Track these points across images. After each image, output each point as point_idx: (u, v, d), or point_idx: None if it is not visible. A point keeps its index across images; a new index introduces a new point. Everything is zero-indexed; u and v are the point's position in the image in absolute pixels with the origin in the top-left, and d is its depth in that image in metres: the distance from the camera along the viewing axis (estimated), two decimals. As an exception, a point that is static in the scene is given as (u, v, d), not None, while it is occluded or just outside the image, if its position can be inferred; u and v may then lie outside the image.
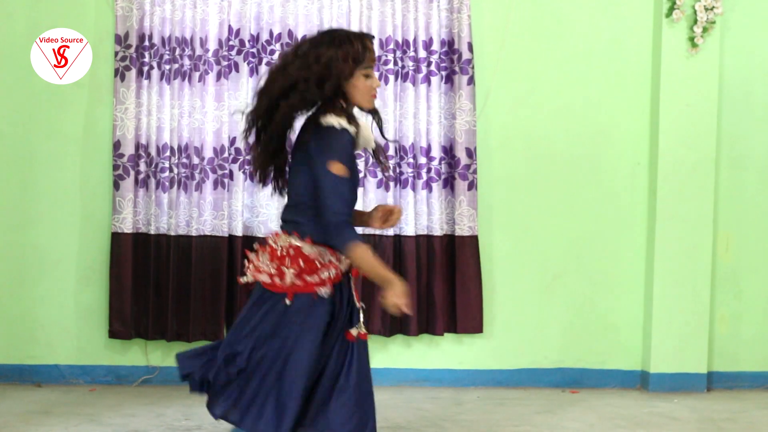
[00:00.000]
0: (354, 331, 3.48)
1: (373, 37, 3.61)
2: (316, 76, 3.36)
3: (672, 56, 5.99)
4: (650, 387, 6.03)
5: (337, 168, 3.34)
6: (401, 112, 5.92)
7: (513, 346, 6.12)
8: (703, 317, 6.05)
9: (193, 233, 5.85)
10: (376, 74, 3.53)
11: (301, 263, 3.41)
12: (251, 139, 3.54)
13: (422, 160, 5.92)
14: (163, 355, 6.02)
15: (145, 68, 5.84)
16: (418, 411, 5.46)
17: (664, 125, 6.00)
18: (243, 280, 3.55)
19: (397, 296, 3.33)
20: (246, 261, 3.56)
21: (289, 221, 3.48)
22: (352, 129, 3.40)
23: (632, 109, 6.12)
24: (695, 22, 5.93)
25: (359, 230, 3.72)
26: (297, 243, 3.43)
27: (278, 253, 3.45)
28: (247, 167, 5.87)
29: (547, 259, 6.14)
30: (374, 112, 3.57)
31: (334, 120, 3.37)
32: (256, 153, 3.53)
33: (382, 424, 5.07)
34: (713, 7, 5.91)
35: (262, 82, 3.48)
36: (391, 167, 5.88)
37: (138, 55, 5.83)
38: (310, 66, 3.36)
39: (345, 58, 3.37)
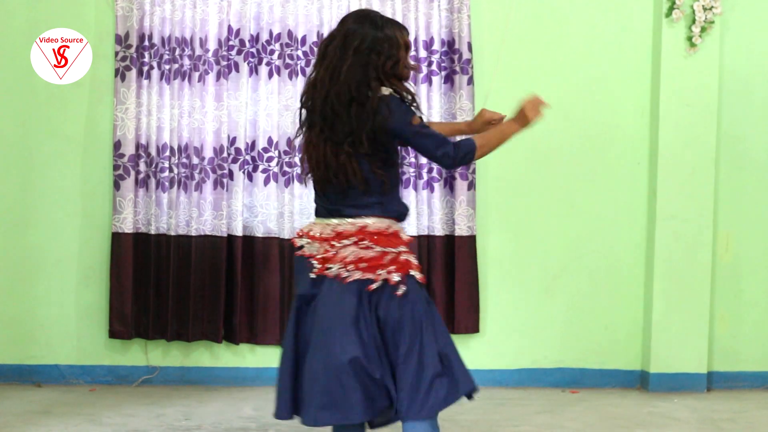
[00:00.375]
0: None
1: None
2: (391, 59, 3.46)
3: (672, 56, 5.98)
4: (650, 387, 6.02)
5: (416, 119, 3.44)
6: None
7: (513, 346, 6.12)
8: (703, 317, 6.05)
9: (193, 233, 5.85)
10: None
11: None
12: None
13: (423, 160, 5.91)
14: (163, 355, 6.02)
15: (145, 68, 5.84)
16: (418, 411, 5.45)
17: (664, 125, 6.00)
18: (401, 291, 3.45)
19: (525, 118, 3.79)
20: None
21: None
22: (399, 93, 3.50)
23: (632, 109, 6.12)
24: (694, 21, 5.94)
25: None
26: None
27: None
28: (246, 167, 5.87)
29: (546, 259, 6.13)
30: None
31: (385, 90, 3.43)
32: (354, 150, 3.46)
33: (381, 424, 5.06)
34: (712, 7, 5.91)
35: (323, 75, 3.46)
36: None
37: (138, 55, 5.83)
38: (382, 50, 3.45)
39: (406, 42, 3.53)
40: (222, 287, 5.86)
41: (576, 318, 6.14)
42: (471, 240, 5.95)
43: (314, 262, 3.48)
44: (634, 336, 6.14)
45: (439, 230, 5.94)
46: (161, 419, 5.21)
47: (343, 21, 3.52)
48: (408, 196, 5.91)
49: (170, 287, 5.86)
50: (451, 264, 5.97)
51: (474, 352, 6.09)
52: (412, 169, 5.91)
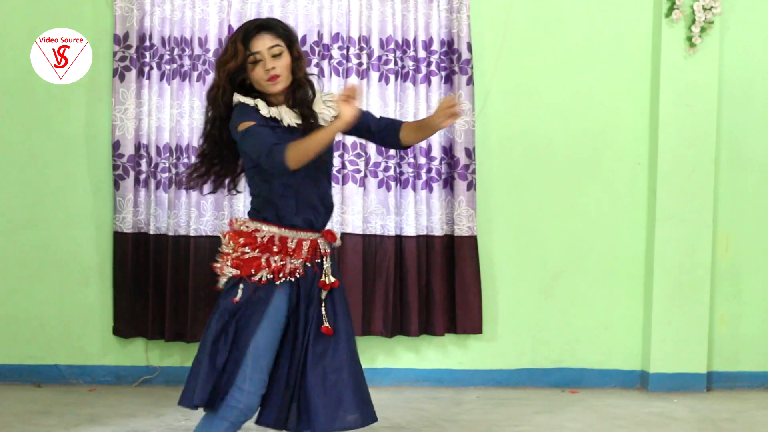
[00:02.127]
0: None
1: (260, 23, 3.68)
2: (215, 83, 3.63)
3: (672, 56, 5.99)
4: (650, 387, 6.03)
5: (244, 125, 3.50)
6: (401, 112, 5.91)
7: (513, 346, 6.12)
8: (703, 317, 6.05)
9: (194, 233, 5.84)
10: (279, 60, 3.62)
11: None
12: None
13: (422, 160, 5.92)
14: (162, 355, 6.01)
15: (145, 68, 5.84)
16: (418, 411, 5.46)
17: (664, 125, 6.00)
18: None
19: (345, 116, 3.41)
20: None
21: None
22: (249, 101, 3.58)
23: (632, 109, 6.12)
24: (694, 21, 5.94)
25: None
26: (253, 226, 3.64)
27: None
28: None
29: (547, 259, 6.13)
30: (294, 91, 3.66)
31: (235, 98, 3.61)
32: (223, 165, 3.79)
33: (383, 424, 5.07)
34: (712, 7, 5.91)
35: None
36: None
37: (138, 56, 5.83)
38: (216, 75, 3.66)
39: (225, 62, 3.59)
40: (225, 287, 5.85)
41: (576, 318, 6.14)
42: (472, 240, 5.95)
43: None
44: (634, 336, 6.14)
45: (438, 230, 5.94)
46: (161, 419, 5.21)
47: None
48: (407, 196, 5.91)
49: (170, 287, 5.85)
50: (451, 264, 5.97)
51: (474, 352, 6.10)
52: (410, 169, 5.91)
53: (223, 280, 3.70)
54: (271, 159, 3.41)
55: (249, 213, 3.71)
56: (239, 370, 3.49)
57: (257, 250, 3.58)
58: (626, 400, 5.84)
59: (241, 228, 3.65)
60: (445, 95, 5.94)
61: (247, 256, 3.59)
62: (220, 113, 3.62)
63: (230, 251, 3.65)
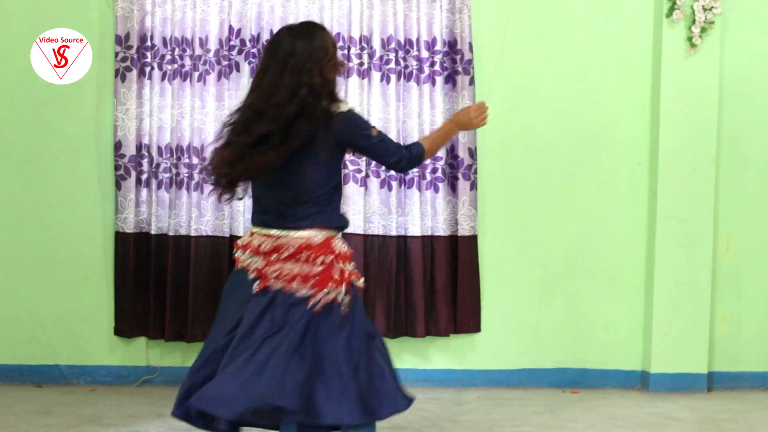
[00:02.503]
0: None
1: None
2: (319, 74, 3.60)
3: (672, 56, 5.99)
4: (650, 387, 6.03)
5: (375, 130, 3.71)
6: (405, 112, 5.91)
7: (513, 346, 6.12)
8: (703, 317, 6.05)
9: (195, 233, 5.85)
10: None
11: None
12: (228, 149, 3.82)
13: (426, 160, 5.90)
14: (163, 355, 6.01)
15: (147, 69, 5.84)
16: (418, 411, 5.45)
17: (664, 125, 6.01)
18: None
19: (471, 121, 3.93)
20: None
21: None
22: (353, 106, 3.73)
23: (632, 109, 6.12)
24: (694, 22, 5.94)
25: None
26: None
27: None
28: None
29: (546, 258, 6.14)
30: None
31: (343, 106, 3.66)
32: (256, 160, 3.82)
33: (383, 424, 5.06)
34: (712, 7, 5.92)
35: (251, 96, 3.69)
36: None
37: (139, 56, 5.83)
38: (312, 64, 3.60)
39: (332, 51, 3.69)
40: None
41: (576, 318, 6.14)
42: (473, 240, 5.95)
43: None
44: (634, 336, 6.14)
45: (442, 231, 5.94)
46: (161, 419, 5.21)
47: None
48: (412, 196, 5.91)
49: (171, 287, 5.85)
50: (454, 264, 5.97)
51: (474, 352, 6.10)
52: (415, 170, 5.89)
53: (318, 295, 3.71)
54: (414, 154, 3.79)
55: (323, 223, 3.72)
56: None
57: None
58: (627, 400, 5.85)
59: (337, 243, 3.73)
60: (447, 95, 5.94)
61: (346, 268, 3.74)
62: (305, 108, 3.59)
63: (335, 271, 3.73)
